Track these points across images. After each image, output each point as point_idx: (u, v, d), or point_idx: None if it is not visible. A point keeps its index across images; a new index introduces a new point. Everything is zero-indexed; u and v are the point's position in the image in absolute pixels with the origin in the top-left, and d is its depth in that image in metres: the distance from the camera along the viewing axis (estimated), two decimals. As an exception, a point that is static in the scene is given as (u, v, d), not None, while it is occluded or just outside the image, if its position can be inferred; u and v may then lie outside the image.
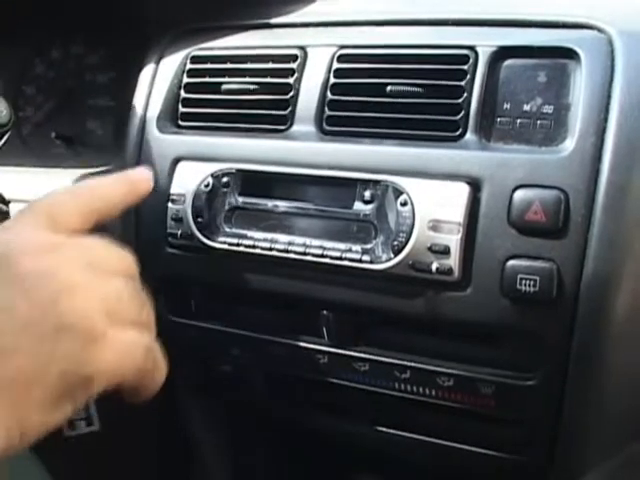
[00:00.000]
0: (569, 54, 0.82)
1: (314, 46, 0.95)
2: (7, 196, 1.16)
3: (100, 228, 1.00)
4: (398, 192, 0.83)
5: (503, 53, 0.85)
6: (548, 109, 0.82)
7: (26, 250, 0.63)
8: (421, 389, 0.88)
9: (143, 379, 0.68)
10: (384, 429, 0.95)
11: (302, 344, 0.94)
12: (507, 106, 0.84)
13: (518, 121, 0.83)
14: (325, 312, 0.91)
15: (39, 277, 0.61)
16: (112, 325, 0.63)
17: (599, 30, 0.82)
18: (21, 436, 0.56)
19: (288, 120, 0.94)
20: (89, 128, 1.25)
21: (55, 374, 0.57)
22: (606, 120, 0.77)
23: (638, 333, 0.79)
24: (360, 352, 0.91)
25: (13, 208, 1.15)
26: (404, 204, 0.82)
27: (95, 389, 0.61)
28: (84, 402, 0.62)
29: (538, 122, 0.82)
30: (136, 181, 0.84)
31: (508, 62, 0.85)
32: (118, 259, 0.71)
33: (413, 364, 0.88)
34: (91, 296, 0.63)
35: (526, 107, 0.83)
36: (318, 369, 0.93)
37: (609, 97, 0.78)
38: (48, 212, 0.71)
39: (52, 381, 0.57)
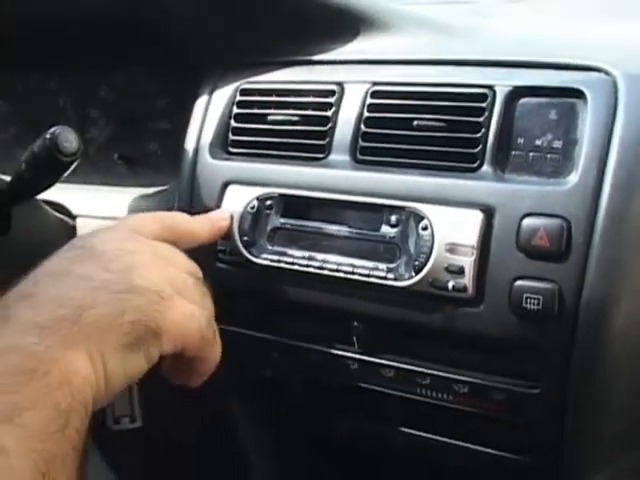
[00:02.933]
0: (577, 94, 0.89)
1: (350, 82, 1.04)
2: (74, 211, 1.26)
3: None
4: (420, 217, 0.91)
5: (518, 92, 0.92)
6: (557, 144, 0.89)
7: (107, 239, 0.76)
8: (440, 394, 0.96)
9: (204, 348, 0.79)
10: (408, 430, 1.03)
11: (335, 351, 1.02)
12: (521, 141, 0.91)
13: (530, 155, 0.90)
14: (356, 323, 0.99)
15: (116, 255, 0.74)
16: (178, 295, 0.75)
17: (605, 72, 0.89)
18: (106, 379, 0.67)
19: (326, 149, 1.02)
20: (149, 150, 1.34)
21: (127, 323, 0.69)
22: (607, 155, 0.85)
23: (635, 347, 0.87)
24: (386, 359, 0.99)
25: (79, 223, 1.25)
26: (425, 228, 0.91)
27: (165, 344, 0.72)
28: (157, 357, 0.72)
29: (548, 156, 0.89)
30: (216, 219, 0.97)
31: (522, 100, 0.92)
32: (186, 261, 0.84)
33: (432, 372, 0.96)
34: (160, 273, 0.75)
35: (538, 142, 0.90)
36: (349, 374, 1.02)
37: (611, 134, 0.85)
38: (131, 222, 0.84)
39: (125, 329, 0.69)
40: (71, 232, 1.24)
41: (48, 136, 0.98)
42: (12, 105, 1.47)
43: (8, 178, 1.08)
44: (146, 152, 1.35)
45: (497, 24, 1.31)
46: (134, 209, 1.23)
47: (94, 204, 1.27)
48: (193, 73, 1.19)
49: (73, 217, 1.26)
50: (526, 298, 0.86)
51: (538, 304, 0.85)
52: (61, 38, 1.28)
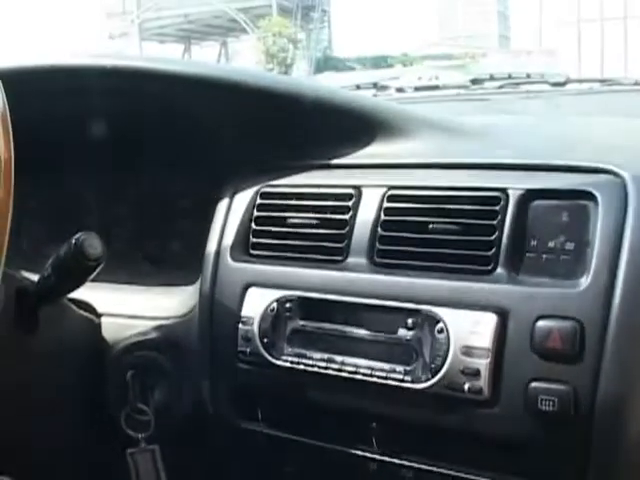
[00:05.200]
0: (588, 196, 0.91)
1: (367, 186, 1.06)
2: (99, 310, 1.29)
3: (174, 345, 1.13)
4: (435, 320, 0.93)
5: (531, 195, 0.94)
6: (570, 246, 0.91)
7: None
8: (461, 496, 0.97)
9: None
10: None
11: (354, 451, 1.03)
12: (534, 243, 0.93)
13: (544, 256, 0.92)
14: (374, 424, 1.01)
15: None
16: None
17: (615, 174, 0.91)
18: None
19: (344, 252, 1.05)
20: (172, 249, 1.37)
21: None
22: (618, 257, 0.86)
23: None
24: (405, 460, 1.00)
25: (104, 321, 1.28)
26: (440, 331, 0.93)
27: None
28: None
29: (561, 257, 0.91)
30: None
31: (535, 203, 0.94)
32: None
33: (452, 472, 0.96)
34: None
35: (551, 244, 0.92)
36: (368, 475, 1.03)
37: (621, 236, 0.87)
38: None
39: None
40: (96, 330, 1.26)
41: (73, 241, 1.00)
42: (43, 203, 1.50)
43: (36, 277, 1.10)
44: (170, 251, 1.38)
45: (511, 122, 1.34)
46: (158, 308, 1.25)
47: (119, 302, 1.30)
48: (216, 176, 1.23)
49: (98, 315, 1.28)
50: (541, 400, 0.87)
51: (553, 405, 0.86)
52: (91, 139, 1.32)
